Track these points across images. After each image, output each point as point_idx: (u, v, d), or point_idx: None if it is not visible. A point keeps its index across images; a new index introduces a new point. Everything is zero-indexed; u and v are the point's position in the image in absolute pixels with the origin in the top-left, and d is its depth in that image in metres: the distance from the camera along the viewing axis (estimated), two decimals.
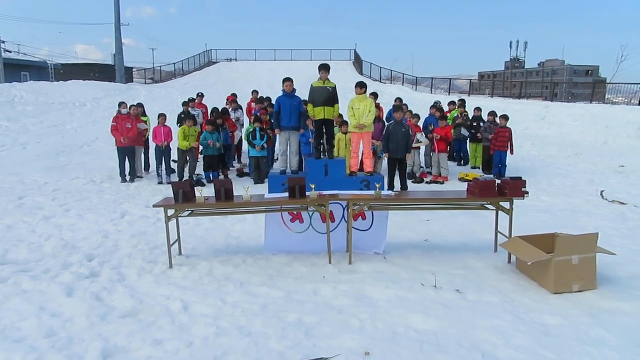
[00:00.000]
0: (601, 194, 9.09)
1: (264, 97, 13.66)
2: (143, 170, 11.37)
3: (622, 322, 3.97)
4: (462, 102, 13.96)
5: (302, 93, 9.62)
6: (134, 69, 42.07)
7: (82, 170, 11.52)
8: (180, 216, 5.53)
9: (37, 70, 33.46)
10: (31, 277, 4.92)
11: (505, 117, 11.36)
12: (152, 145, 11.35)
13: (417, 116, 11.70)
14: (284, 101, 9.00)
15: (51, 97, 21.18)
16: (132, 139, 10.44)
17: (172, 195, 5.41)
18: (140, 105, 11.68)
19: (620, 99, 24.15)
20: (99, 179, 10.63)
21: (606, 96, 26.47)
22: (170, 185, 6.08)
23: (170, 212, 5.40)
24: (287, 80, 9.13)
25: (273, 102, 13.05)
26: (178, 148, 10.55)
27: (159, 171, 10.64)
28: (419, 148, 11.28)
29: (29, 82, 25.09)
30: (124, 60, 35.09)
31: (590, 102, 22.79)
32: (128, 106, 10.92)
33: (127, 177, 10.52)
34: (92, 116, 19.78)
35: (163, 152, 10.59)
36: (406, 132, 9.26)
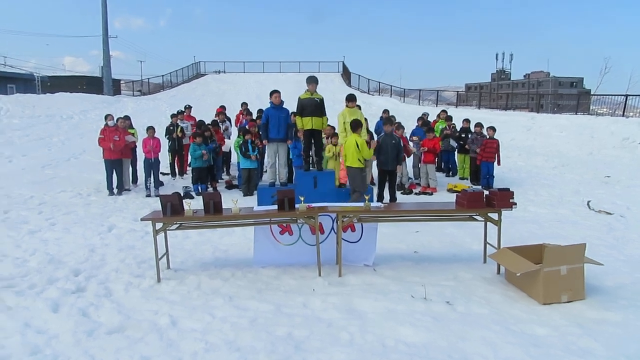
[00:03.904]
0: (588, 205, 9.19)
1: (254, 110, 13.72)
2: (131, 183, 11.28)
3: (610, 332, 3.99)
4: (445, 113, 14.14)
5: (291, 105, 9.65)
6: (122, 81, 41.85)
7: (68, 183, 11.40)
8: (168, 230, 5.49)
9: (24, 83, 33.08)
10: (16, 293, 4.83)
11: (493, 129, 11.49)
12: (140, 158, 11.29)
13: (402, 127, 11.75)
14: (272, 113, 9.01)
15: (38, 110, 20.97)
16: (119, 150, 10.37)
17: (161, 209, 5.37)
18: (127, 117, 11.62)
19: (605, 110, 24.53)
20: (86, 192, 10.52)
21: (591, 107, 26.87)
22: (158, 198, 6.04)
23: (159, 225, 5.36)
24: (275, 92, 9.17)
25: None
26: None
27: (147, 184, 10.57)
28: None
29: (15, 94, 24.81)
30: (112, 73, 34.91)
31: (576, 114, 23.11)
32: (115, 118, 10.86)
33: (115, 190, 10.43)
34: (79, 129, 19.60)
35: (151, 165, 10.53)
36: (396, 144, 9.30)
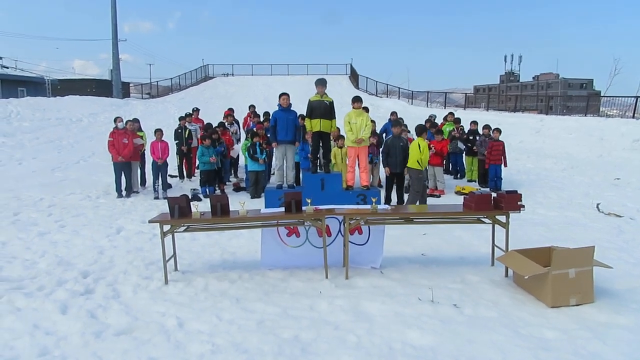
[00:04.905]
0: (597, 207, 9.11)
1: (262, 112, 13.74)
2: (139, 186, 11.35)
3: (620, 336, 3.95)
4: (453, 116, 14.08)
5: (299, 107, 9.66)
6: (131, 84, 42.19)
7: (78, 185, 11.48)
8: (176, 232, 5.51)
9: (34, 86, 33.48)
10: (25, 295, 4.87)
11: (498, 130, 11.43)
12: (148, 160, 11.35)
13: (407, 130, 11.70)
14: (280, 116, 9.04)
15: (48, 113, 21.19)
16: (128, 155, 10.43)
17: (168, 211, 5.40)
18: (136, 120, 11.70)
19: (615, 111, 24.33)
20: (95, 195, 10.59)
21: (600, 109, 26.62)
22: (166, 200, 6.08)
23: (166, 227, 5.38)
24: (284, 94, 9.21)
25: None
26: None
27: (155, 186, 10.62)
28: None
29: (26, 97, 25.09)
30: (121, 76, 35.18)
31: (585, 115, 22.93)
32: (124, 121, 10.93)
33: (123, 193, 10.49)
34: (88, 132, 19.78)
35: (160, 167, 10.58)
36: (404, 147, 9.29)
